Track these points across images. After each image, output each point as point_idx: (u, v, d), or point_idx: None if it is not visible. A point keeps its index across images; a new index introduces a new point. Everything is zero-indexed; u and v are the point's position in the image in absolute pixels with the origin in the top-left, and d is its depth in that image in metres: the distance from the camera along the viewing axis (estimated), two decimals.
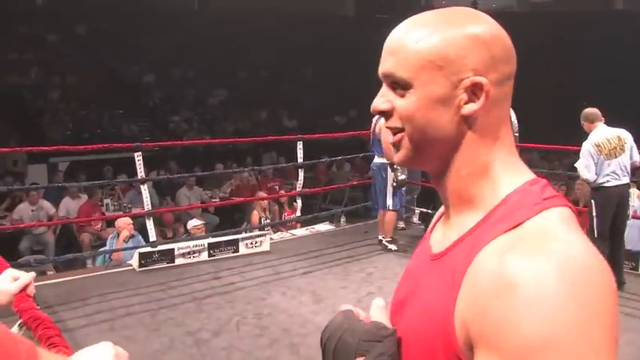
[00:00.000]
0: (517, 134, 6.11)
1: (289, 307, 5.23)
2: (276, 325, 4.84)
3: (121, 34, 19.51)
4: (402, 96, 0.88)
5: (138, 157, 6.19)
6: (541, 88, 20.02)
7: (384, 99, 0.91)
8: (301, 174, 7.79)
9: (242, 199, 9.92)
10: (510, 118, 0.93)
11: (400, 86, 0.88)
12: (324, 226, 8.26)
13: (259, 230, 7.51)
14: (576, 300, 0.70)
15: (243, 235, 7.10)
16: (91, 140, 12.33)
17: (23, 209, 8.95)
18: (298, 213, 8.01)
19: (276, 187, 11.21)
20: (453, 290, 0.81)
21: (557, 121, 20.15)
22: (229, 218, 10.50)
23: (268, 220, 8.59)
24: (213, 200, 10.78)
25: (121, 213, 9.08)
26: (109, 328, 4.72)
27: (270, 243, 7.07)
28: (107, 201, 10.33)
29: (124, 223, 7.20)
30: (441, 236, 0.96)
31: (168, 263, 6.30)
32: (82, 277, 6.15)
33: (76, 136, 13.42)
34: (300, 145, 7.49)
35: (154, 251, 6.28)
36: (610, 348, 0.71)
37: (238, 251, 6.73)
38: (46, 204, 9.20)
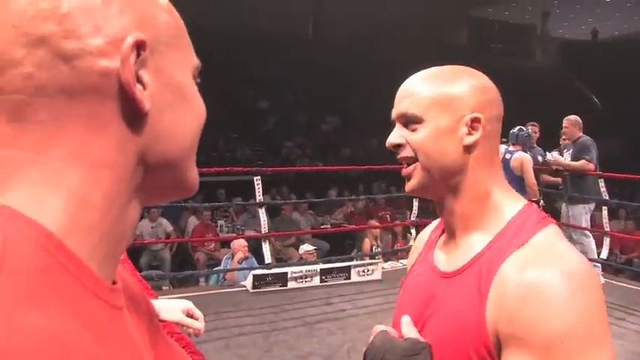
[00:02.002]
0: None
1: None
2: None
3: (236, 60, 20.22)
4: (414, 130, 1.07)
5: (257, 180, 6.35)
6: None
7: (397, 134, 1.10)
8: (415, 203, 7.72)
9: (356, 226, 9.95)
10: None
11: (413, 122, 1.07)
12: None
13: (370, 258, 7.48)
14: (582, 298, 0.90)
15: (355, 262, 7.10)
16: (207, 163, 12.79)
17: (143, 225, 9.37)
18: (411, 243, 7.92)
19: (387, 216, 11.17)
20: (481, 300, 0.98)
21: None
22: (340, 245, 10.55)
23: (379, 249, 8.55)
24: (324, 226, 10.87)
25: (234, 235, 9.32)
26: (224, 346, 4.83)
27: (382, 272, 7.03)
28: (221, 222, 10.65)
29: (239, 245, 7.38)
30: (445, 256, 1.13)
31: (280, 286, 6.39)
32: (197, 295, 6.32)
33: None
34: None
35: (268, 274, 6.39)
36: (607, 330, 0.91)
37: (350, 278, 6.73)
38: (164, 221, 9.58)
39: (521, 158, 6.56)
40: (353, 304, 6.05)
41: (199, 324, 1.71)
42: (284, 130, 18.12)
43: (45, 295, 0.46)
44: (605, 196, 7.15)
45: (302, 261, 7.39)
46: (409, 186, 1.10)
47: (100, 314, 0.51)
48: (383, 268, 7.22)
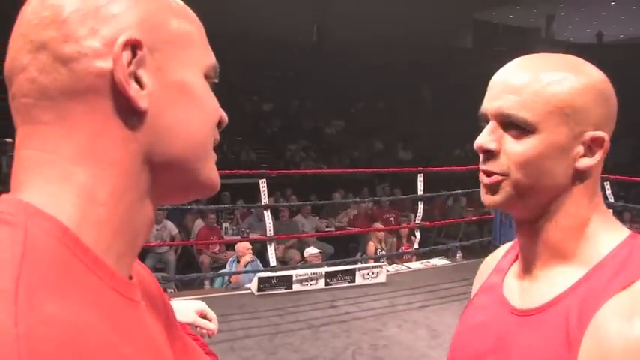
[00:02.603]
0: None
1: (405, 340, 5.16)
2: (391, 357, 4.79)
3: (241, 65, 20.26)
4: (518, 138, 0.85)
5: (262, 183, 6.36)
6: None
7: (492, 137, 0.87)
8: (420, 207, 7.73)
9: (361, 229, 9.96)
10: None
11: (519, 128, 0.85)
12: (439, 261, 8.12)
13: (375, 261, 7.49)
14: None
15: (360, 265, 7.11)
16: None
17: None
18: (416, 246, 7.94)
19: (392, 219, 11.17)
20: (571, 349, 0.79)
21: None
22: (344, 247, 10.56)
23: (384, 252, 8.56)
24: (329, 229, 10.88)
25: (239, 237, 9.33)
26: (229, 348, 4.84)
27: (387, 275, 7.03)
28: (226, 225, 10.67)
29: (244, 248, 7.39)
30: (519, 289, 0.93)
31: (285, 289, 6.40)
32: (202, 297, 6.29)
33: None
34: (420, 178, 7.46)
35: (273, 276, 6.40)
36: None
37: (355, 281, 6.74)
38: (170, 224, 9.59)
39: None
40: (358, 306, 6.05)
41: (213, 325, 1.72)
42: (288, 134, 18.16)
43: (64, 285, 0.48)
44: (611, 199, 7.15)
45: (307, 264, 7.39)
46: (491, 200, 0.90)
47: (117, 306, 0.54)
48: (387, 270, 7.21)
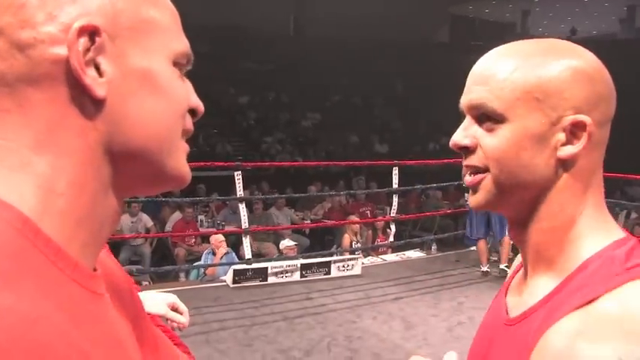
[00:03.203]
0: None
1: (380, 332, 5.20)
2: (366, 348, 4.82)
3: (217, 56, 20.15)
4: (491, 130, 0.78)
5: (237, 176, 6.35)
6: None
7: (466, 133, 0.81)
8: (395, 200, 7.77)
9: (336, 222, 9.97)
10: None
11: (490, 119, 0.78)
12: (414, 253, 8.18)
13: (350, 254, 7.52)
14: None
15: (335, 257, 7.13)
16: (186, 158, 12.73)
17: (123, 220, 9.28)
18: (391, 239, 7.99)
19: (368, 212, 11.20)
20: None
21: None
22: (320, 240, 10.57)
23: (359, 244, 8.59)
24: (305, 222, 10.89)
25: (215, 230, 9.30)
26: (204, 341, 4.84)
27: (362, 267, 7.07)
28: (201, 217, 10.61)
29: (217, 241, 7.37)
30: (517, 296, 0.87)
31: (261, 281, 6.40)
32: (177, 290, 6.29)
33: None
34: (395, 171, 7.49)
35: (248, 269, 6.40)
36: None
37: (330, 273, 6.76)
38: (145, 217, 9.51)
39: None
40: (333, 298, 6.08)
41: (184, 318, 1.71)
42: (264, 126, 18.12)
43: (18, 277, 0.47)
44: None
45: (282, 256, 7.40)
46: (474, 201, 0.83)
47: (77, 298, 0.52)
48: (363, 263, 7.26)
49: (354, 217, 9.59)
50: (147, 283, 7.64)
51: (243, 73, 20.24)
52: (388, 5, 23.91)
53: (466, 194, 7.05)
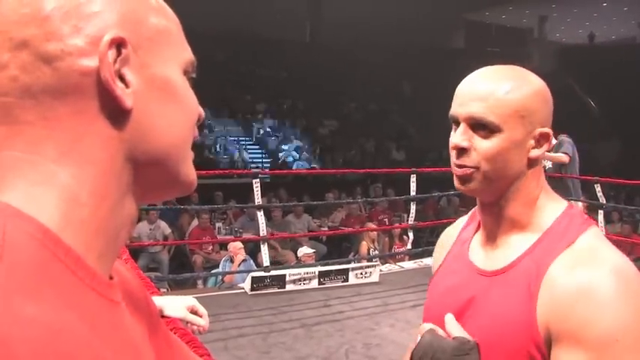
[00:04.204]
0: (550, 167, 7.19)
1: (398, 339, 5.18)
2: (384, 356, 4.81)
3: (233, 64, 20.25)
4: (486, 137, 1.05)
5: (256, 183, 6.37)
6: None
7: (464, 137, 1.06)
8: (413, 207, 7.76)
9: (353, 229, 9.97)
10: None
11: (487, 129, 1.04)
12: (432, 260, 8.13)
13: (368, 261, 7.51)
14: (634, 297, 0.93)
15: (353, 265, 7.12)
16: (202, 165, 12.78)
17: (142, 227, 9.35)
18: (409, 246, 7.97)
19: (385, 219, 11.19)
20: (532, 299, 1.00)
21: None
22: (337, 247, 10.56)
23: (377, 252, 8.57)
24: (322, 229, 10.89)
25: (233, 237, 9.33)
26: (223, 347, 4.85)
27: (380, 274, 7.05)
28: (219, 225, 10.65)
29: (235, 248, 7.39)
30: (483, 255, 1.14)
31: (279, 288, 6.41)
32: (196, 297, 6.28)
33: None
34: (413, 179, 7.48)
35: (267, 276, 6.41)
36: None
37: (348, 281, 6.75)
38: (163, 224, 9.56)
39: None
40: (351, 306, 6.07)
41: (203, 321, 1.73)
42: (281, 134, 18.16)
43: (42, 287, 0.48)
44: (603, 200, 7.22)
45: (300, 263, 7.40)
46: (467, 188, 1.09)
47: (97, 307, 0.53)
48: (380, 270, 7.23)
49: (371, 225, 9.58)
50: (165, 290, 7.67)
51: (259, 81, 20.31)
52: (403, 11, 23.88)
53: None
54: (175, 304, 1.70)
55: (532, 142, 1.06)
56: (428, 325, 1.09)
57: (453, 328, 1.09)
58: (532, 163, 1.08)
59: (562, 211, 1.09)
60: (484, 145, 1.05)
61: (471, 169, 1.07)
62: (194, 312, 1.72)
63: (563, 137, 7.25)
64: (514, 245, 1.09)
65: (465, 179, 1.09)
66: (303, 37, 26.47)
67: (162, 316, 1.68)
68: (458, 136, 1.07)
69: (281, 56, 21.70)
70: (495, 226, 1.12)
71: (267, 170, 10.07)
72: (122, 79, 0.55)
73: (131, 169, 0.57)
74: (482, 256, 1.14)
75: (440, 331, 1.08)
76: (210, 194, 11.48)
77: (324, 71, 21.38)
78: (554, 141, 7.25)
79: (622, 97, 22.49)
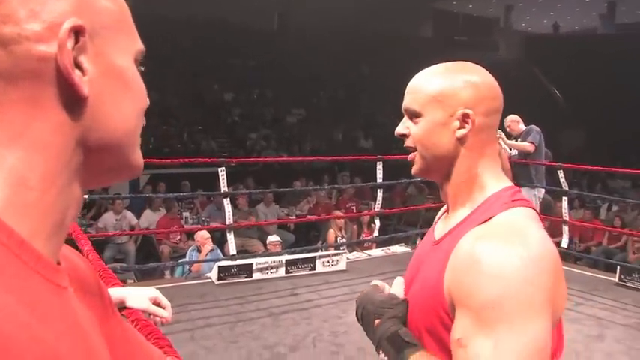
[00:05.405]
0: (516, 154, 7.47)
1: None
2: (352, 343, 4.83)
3: (202, 53, 20.07)
4: (416, 123, 1.19)
5: (221, 172, 6.33)
6: (626, 112, 19.44)
7: (403, 125, 1.22)
8: (380, 194, 7.79)
9: (321, 217, 9.98)
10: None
11: (414, 116, 1.19)
12: (399, 248, 8.19)
13: (335, 249, 7.53)
14: (521, 271, 0.98)
15: (320, 253, 7.14)
16: (171, 155, 12.67)
17: (108, 218, 9.26)
18: (376, 233, 8.01)
19: (353, 207, 11.22)
20: (444, 266, 1.09)
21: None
22: (305, 236, 10.58)
23: (344, 239, 8.60)
24: (290, 218, 10.89)
25: (200, 226, 9.28)
26: (189, 338, 4.83)
27: (347, 262, 7.08)
28: (186, 214, 10.59)
29: (202, 237, 7.36)
30: (442, 228, 1.24)
31: (246, 277, 6.39)
32: (162, 287, 6.22)
33: (158, 151, 13.77)
34: (379, 166, 7.51)
35: (233, 265, 6.39)
36: (544, 307, 0.98)
37: (315, 269, 6.77)
38: (129, 214, 9.49)
39: (497, 147, 6.86)
40: (318, 294, 6.09)
41: (166, 312, 1.71)
42: (249, 123, 18.08)
43: None
44: (565, 187, 7.34)
45: (267, 252, 7.40)
46: (413, 170, 1.24)
47: (40, 291, 0.52)
48: (348, 258, 7.26)
49: (338, 213, 9.61)
50: (132, 280, 7.63)
51: (227, 69, 20.16)
52: (373, 0, 23.89)
53: None
54: (138, 295, 1.68)
55: (457, 124, 1.16)
56: (375, 281, 1.35)
57: (394, 286, 1.28)
58: (462, 142, 1.16)
59: (498, 190, 1.17)
60: (414, 130, 1.20)
61: (413, 153, 1.22)
62: (157, 303, 1.70)
63: (532, 127, 7.37)
64: (454, 219, 1.20)
65: (412, 163, 1.24)
66: (271, 25, 26.34)
67: (125, 308, 1.67)
68: (399, 126, 1.24)
69: (249, 45, 21.57)
70: (447, 203, 1.25)
71: (234, 159, 9.99)
72: (79, 66, 0.55)
73: (82, 155, 0.57)
74: (440, 229, 1.25)
75: (387, 288, 1.30)
76: (177, 184, 11.40)
77: (292, 60, 21.31)
78: (522, 127, 7.36)
79: (585, 87, 22.87)
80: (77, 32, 0.54)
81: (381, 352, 1.20)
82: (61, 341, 0.51)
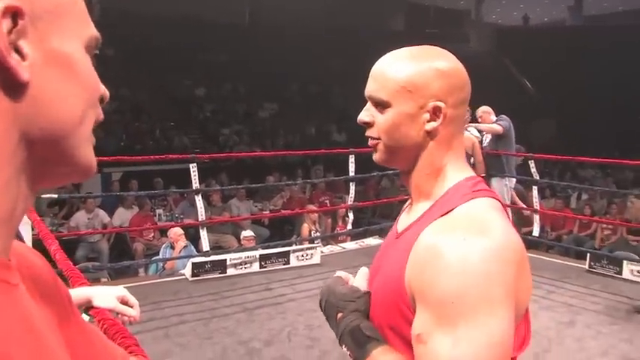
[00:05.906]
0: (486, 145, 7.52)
1: None
2: (326, 337, 4.84)
3: (173, 48, 19.90)
4: (381, 112, 1.13)
5: (193, 168, 6.29)
6: (595, 102, 19.69)
7: (367, 113, 1.17)
8: (352, 187, 7.80)
9: (294, 211, 9.98)
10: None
11: (380, 105, 1.13)
12: (373, 240, 8.22)
13: (309, 243, 7.54)
14: (481, 264, 0.96)
15: (294, 247, 7.14)
16: (143, 152, 12.57)
17: (79, 217, 9.17)
18: (349, 226, 8.03)
19: (327, 201, 11.24)
20: (405, 260, 1.07)
21: (611, 136, 19.78)
22: (279, 231, 10.57)
23: (318, 233, 8.61)
24: (264, 212, 10.87)
25: (173, 223, 9.22)
26: (164, 335, 4.80)
27: (321, 256, 7.10)
28: (159, 211, 10.53)
29: (175, 234, 7.32)
30: (405, 220, 1.22)
31: (220, 273, 6.38)
32: (136, 285, 6.23)
33: (129, 148, 13.69)
34: (352, 159, 7.52)
35: (207, 261, 6.37)
36: (505, 300, 0.96)
37: (289, 263, 6.78)
38: (102, 213, 9.40)
39: (472, 139, 7.11)
40: (292, 288, 6.10)
41: (134, 311, 1.70)
42: (221, 118, 17.99)
43: None
44: (536, 177, 7.43)
45: (241, 247, 7.38)
46: (375, 157, 1.20)
47: None
48: (322, 252, 7.29)
49: (312, 207, 9.61)
50: (105, 279, 7.54)
51: (198, 65, 20.03)
52: None
53: None
54: (105, 295, 1.67)
55: (427, 116, 1.11)
56: (339, 272, 1.32)
57: (358, 278, 1.26)
58: (431, 135, 1.13)
59: (458, 181, 1.14)
60: (380, 120, 1.15)
61: (376, 141, 1.16)
62: (125, 302, 1.69)
63: (503, 116, 7.47)
64: (416, 212, 1.17)
65: (374, 150, 1.19)
66: (243, 20, 26.18)
67: (92, 307, 1.65)
68: (362, 113, 1.18)
69: (220, 40, 21.42)
70: (410, 194, 1.22)
71: (204, 155, 9.93)
72: (18, 51, 0.52)
73: (26, 147, 0.55)
74: (403, 221, 1.23)
75: (352, 280, 1.28)
76: (150, 181, 11.32)
77: (263, 55, 21.21)
78: (494, 118, 7.46)
79: (555, 78, 23.13)
80: (15, 14, 0.51)
81: (343, 346, 1.16)
82: (9, 341, 0.50)
